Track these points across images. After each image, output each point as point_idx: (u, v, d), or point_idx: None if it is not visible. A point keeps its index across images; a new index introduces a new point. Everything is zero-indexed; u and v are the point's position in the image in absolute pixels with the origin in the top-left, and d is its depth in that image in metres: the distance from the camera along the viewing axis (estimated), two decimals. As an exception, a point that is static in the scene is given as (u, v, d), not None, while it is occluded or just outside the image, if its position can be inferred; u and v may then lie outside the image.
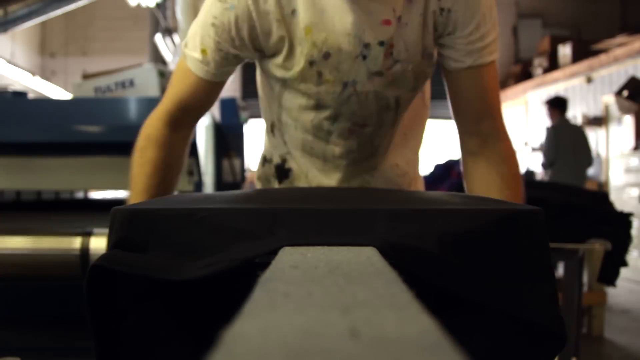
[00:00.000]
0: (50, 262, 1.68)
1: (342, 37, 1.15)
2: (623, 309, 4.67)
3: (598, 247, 2.23)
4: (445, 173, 5.01)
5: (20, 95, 2.39)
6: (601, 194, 3.09)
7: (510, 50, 10.20)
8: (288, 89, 1.25)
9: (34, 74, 8.25)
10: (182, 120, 1.30)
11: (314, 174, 1.38)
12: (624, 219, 2.40)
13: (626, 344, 3.72)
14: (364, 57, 1.16)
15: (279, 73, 1.23)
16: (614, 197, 6.41)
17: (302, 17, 1.14)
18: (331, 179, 1.37)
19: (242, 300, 0.38)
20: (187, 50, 1.23)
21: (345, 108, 1.23)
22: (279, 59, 1.20)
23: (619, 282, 5.59)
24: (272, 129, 1.42)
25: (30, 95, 2.51)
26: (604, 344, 3.71)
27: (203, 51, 1.19)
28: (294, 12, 1.15)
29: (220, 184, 3.58)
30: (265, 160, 1.50)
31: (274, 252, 0.70)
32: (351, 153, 1.32)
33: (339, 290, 0.42)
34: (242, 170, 3.51)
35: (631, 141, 6.38)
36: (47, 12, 3.50)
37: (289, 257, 0.57)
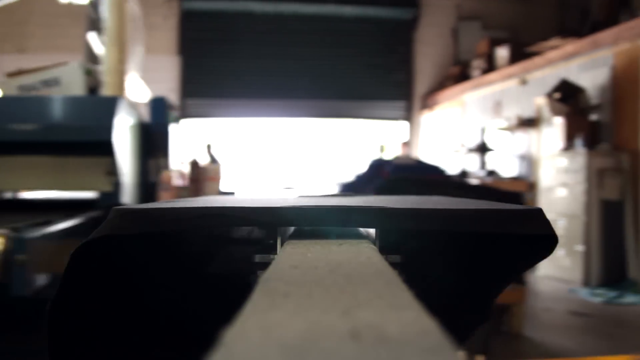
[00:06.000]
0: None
1: None
2: (544, 307, 4.78)
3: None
4: (376, 173, 5.03)
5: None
6: (513, 193, 3.16)
7: (449, 51, 10.34)
8: None
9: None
10: None
11: None
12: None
13: (544, 341, 3.81)
14: None
15: None
16: (543, 197, 6.55)
17: None
18: None
19: (243, 300, 0.39)
20: None
21: None
22: None
23: (543, 280, 5.71)
24: None
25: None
26: (523, 340, 3.79)
27: None
28: None
29: (145, 183, 3.55)
30: None
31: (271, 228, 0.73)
32: None
33: (339, 291, 0.43)
34: (162, 169, 3.47)
35: (561, 142, 6.52)
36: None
37: (289, 257, 0.58)
